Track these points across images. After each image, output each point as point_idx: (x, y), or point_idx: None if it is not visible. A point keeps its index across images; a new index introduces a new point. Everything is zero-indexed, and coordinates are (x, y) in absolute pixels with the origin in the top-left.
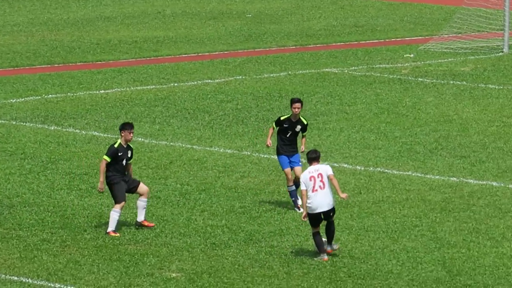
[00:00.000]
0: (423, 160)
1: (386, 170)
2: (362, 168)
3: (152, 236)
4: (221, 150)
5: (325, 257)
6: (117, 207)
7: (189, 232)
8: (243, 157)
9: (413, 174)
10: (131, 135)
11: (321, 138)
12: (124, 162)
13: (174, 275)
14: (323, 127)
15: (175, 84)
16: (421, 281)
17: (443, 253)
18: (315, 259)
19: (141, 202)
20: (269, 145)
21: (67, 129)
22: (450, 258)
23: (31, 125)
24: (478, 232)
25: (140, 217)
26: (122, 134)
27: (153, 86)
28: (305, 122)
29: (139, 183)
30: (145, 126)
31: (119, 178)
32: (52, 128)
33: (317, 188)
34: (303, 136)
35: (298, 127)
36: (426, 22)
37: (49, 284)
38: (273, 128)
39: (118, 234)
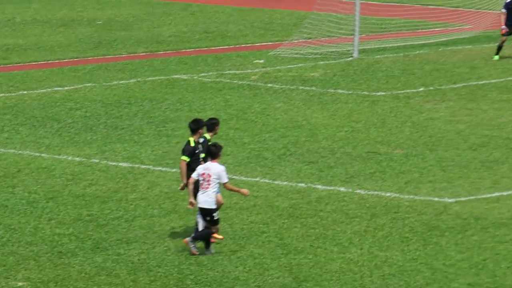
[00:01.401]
0: (271, 166)
1: (234, 177)
2: None
3: None
4: (69, 158)
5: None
6: None
7: (36, 240)
8: (91, 165)
9: (261, 180)
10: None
11: (170, 145)
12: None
13: (20, 284)
14: (172, 134)
15: (24, 92)
16: (267, 287)
17: (290, 259)
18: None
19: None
20: None
21: None
22: (296, 264)
23: None
24: (325, 238)
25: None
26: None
27: (2, 94)
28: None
29: None
30: None
31: None
32: None
33: (204, 187)
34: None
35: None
36: (277, 28)
37: None
38: None
39: None
